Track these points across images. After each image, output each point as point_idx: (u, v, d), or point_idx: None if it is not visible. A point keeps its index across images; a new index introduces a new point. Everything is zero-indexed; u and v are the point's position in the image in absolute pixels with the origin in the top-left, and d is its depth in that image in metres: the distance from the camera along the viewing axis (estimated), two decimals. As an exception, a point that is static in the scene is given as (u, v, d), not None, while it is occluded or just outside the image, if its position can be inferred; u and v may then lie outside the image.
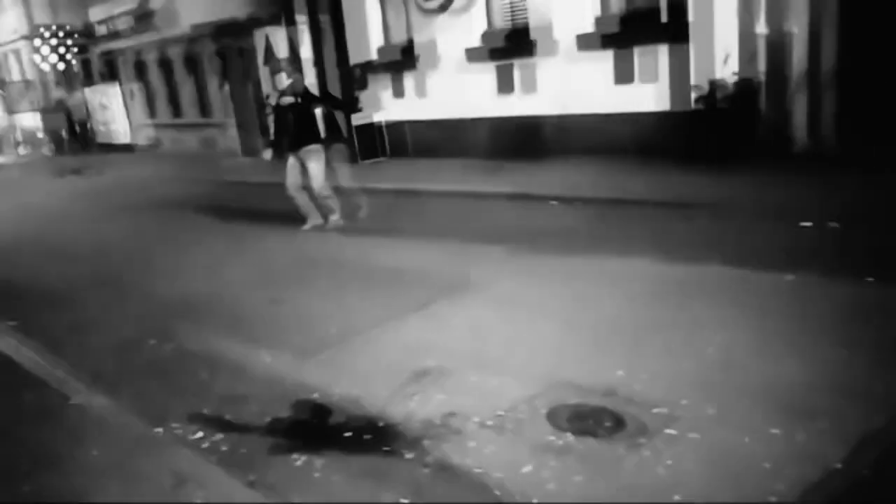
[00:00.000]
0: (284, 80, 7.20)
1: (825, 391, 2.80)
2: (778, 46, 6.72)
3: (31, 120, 20.66)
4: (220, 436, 3.02)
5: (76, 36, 15.26)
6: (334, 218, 6.86)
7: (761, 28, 6.71)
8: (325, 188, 6.78)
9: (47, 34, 15.21)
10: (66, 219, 9.83)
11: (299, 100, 6.68)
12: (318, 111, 6.92)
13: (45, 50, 15.24)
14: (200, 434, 3.05)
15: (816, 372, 2.97)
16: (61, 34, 15.21)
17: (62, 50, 15.31)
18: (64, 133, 20.01)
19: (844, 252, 4.37)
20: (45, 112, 20.27)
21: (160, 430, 3.11)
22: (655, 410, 2.80)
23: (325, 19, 10.92)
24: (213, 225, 8.06)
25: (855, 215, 4.94)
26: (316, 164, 6.67)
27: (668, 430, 2.65)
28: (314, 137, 6.74)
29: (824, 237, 4.70)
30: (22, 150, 21.28)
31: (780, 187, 5.92)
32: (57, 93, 20.84)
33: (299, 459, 2.75)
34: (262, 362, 3.77)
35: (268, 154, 7.23)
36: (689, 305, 3.83)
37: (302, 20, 11.24)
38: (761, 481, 2.32)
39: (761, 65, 6.80)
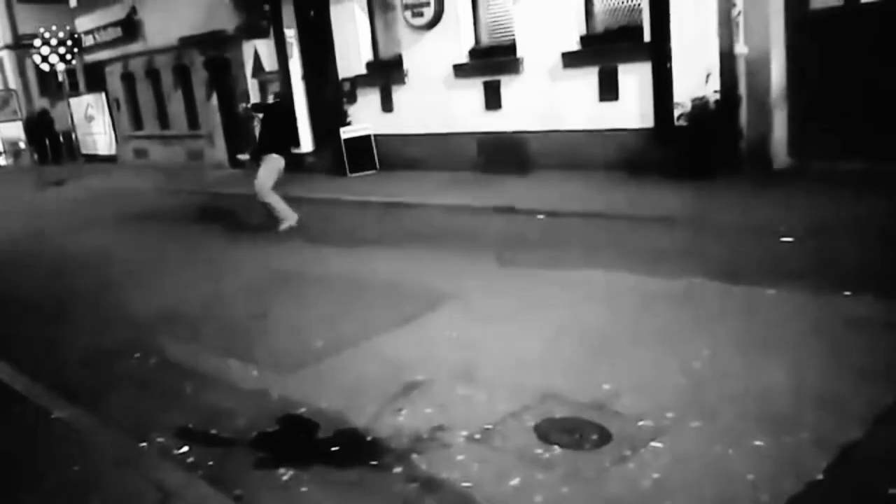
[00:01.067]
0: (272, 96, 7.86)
1: (807, 403, 2.86)
2: (757, 66, 6.89)
3: (13, 130, 20.42)
4: (205, 450, 3.00)
5: (69, 42, 15.20)
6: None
7: (741, 48, 6.89)
8: (264, 194, 7.36)
9: (47, 35, 15.09)
10: (45, 230, 9.70)
11: (262, 111, 7.66)
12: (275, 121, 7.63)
13: (45, 50, 15.14)
14: (186, 448, 3.03)
15: (798, 384, 3.02)
16: (54, 41, 15.11)
17: (53, 58, 15.22)
18: (47, 143, 19.80)
19: (823, 266, 4.46)
20: (28, 122, 20.07)
21: (145, 444, 3.08)
22: (641, 423, 2.83)
23: (314, 33, 10.99)
24: (195, 236, 8.03)
25: (833, 230, 5.05)
26: (261, 170, 7.40)
27: (653, 443, 2.68)
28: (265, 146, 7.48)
29: (803, 252, 4.79)
30: (3, 161, 21.01)
31: (761, 203, 6.03)
32: (41, 102, 20.64)
33: (286, 474, 2.74)
34: (248, 376, 3.75)
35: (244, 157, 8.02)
36: (673, 319, 3.88)
37: (291, 34, 11.29)
38: (746, 493, 2.36)
39: (742, 83, 6.97)
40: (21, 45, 20.00)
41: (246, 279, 5.80)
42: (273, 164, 7.36)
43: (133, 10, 15.24)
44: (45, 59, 15.48)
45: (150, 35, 15.05)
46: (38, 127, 19.80)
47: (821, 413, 2.77)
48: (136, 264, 6.90)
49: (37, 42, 15.38)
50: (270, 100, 8.30)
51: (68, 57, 15.44)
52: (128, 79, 16.64)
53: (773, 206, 5.85)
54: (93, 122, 18.20)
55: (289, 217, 7.34)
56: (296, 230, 7.31)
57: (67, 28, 15.92)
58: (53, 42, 15.57)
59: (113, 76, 17.10)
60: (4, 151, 20.99)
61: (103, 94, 17.51)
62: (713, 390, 3.04)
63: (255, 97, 12.42)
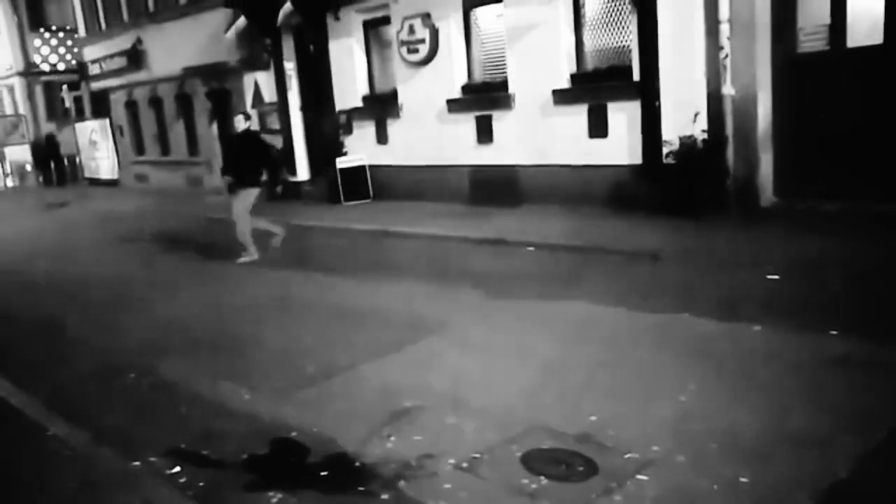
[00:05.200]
0: (243, 122, 7.67)
1: (793, 441, 2.85)
2: (744, 107, 6.99)
3: (20, 153, 20.77)
4: (197, 471, 3.02)
5: (68, 43, 15.63)
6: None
7: (728, 89, 7.00)
8: (240, 225, 7.44)
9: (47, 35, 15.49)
10: (46, 250, 9.81)
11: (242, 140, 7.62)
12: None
13: (45, 50, 15.52)
14: (178, 469, 3.05)
15: (784, 422, 3.02)
16: (54, 41, 15.53)
17: (53, 58, 15.63)
18: (52, 166, 20.10)
19: (809, 305, 4.47)
20: (35, 145, 20.40)
21: (137, 463, 3.10)
22: (628, 456, 2.83)
23: (312, 67, 11.22)
24: (190, 260, 8.09)
25: (819, 269, 5.07)
26: (237, 203, 7.47)
27: (639, 476, 2.68)
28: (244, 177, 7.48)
29: (789, 290, 4.81)
30: (10, 182, 21.34)
31: (747, 240, 6.06)
32: (48, 127, 21.02)
33: (275, 497, 2.75)
34: (240, 399, 3.78)
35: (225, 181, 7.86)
36: (660, 353, 3.89)
37: (290, 67, 11.53)
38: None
39: (729, 123, 7.06)
40: (31, 73, 20.46)
41: (238, 303, 5.85)
42: (248, 197, 7.40)
43: (138, 41, 15.62)
44: (44, 59, 15.80)
45: (154, 65, 15.38)
46: (45, 150, 20.14)
47: (807, 451, 2.76)
48: (132, 286, 6.97)
49: (37, 42, 15.76)
50: (241, 126, 7.62)
51: (61, 50, 15.75)
52: (131, 106, 16.95)
53: (759, 244, 5.88)
54: (96, 147, 18.48)
55: (251, 253, 7.44)
56: (267, 258, 7.35)
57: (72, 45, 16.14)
58: (53, 42, 16.03)
59: (117, 103, 17.43)
60: (12, 173, 21.32)
61: (107, 121, 17.83)
62: (699, 425, 3.04)
63: (254, 127, 12.58)
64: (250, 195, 7.41)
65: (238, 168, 7.46)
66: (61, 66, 17.86)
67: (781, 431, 2.92)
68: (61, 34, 19.89)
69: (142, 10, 15.33)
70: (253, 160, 7.44)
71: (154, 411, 3.75)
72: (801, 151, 6.85)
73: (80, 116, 19.32)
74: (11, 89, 21.42)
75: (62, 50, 19.90)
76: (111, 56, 16.65)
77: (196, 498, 2.78)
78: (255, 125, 12.08)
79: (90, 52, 17.77)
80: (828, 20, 6.53)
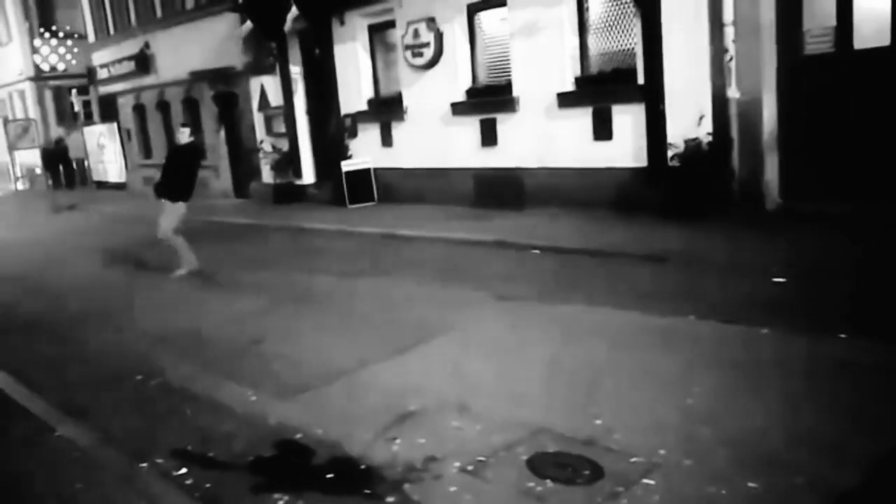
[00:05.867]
0: (187, 135, 7.35)
1: (802, 447, 2.81)
2: (749, 109, 6.96)
3: (30, 156, 20.97)
4: (203, 473, 3.04)
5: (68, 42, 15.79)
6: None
7: (733, 92, 6.98)
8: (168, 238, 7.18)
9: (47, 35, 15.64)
10: (55, 253, 9.90)
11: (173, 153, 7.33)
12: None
13: (46, 50, 15.63)
14: (184, 470, 3.07)
15: (792, 427, 2.99)
16: (54, 41, 15.68)
17: (53, 58, 15.81)
18: (61, 169, 20.29)
19: (816, 308, 4.44)
20: (45, 149, 20.60)
21: (144, 465, 3.13)
22: (634, 460, 2.81)
23: (318, 71, 11.27)
24: (198, 261, 8.13)
25: (825, 271, 5.03)
26: (164, 218, 7.18)
27: (645, 480, 2.66)
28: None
29: (797, 292, 4.77)
30: (20, 185, 21.55)
31: (753, 243, 6.03)
32: (57, 131, 21.23)
33: (281, 499, 2.77)
34: (246, 401, 3.80)
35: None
36: (666, 356, 3.87)
37: (296, 71, 11.59)
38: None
39: (734, 126, 7.04)
40: (41, 77, 20.67)
41: (244, 305, 5.88)
42: (176, 211, 7.13)
43: (146, 46, 15.74)
44: (53, 64, 15.95)
45: (161, 69, 15.50)
46: (54, 154, 20.32)
47: (816, 457, 2.72)
48: (140, 287, 7.03)
49: (37, 42, 15.90)
50: (184, 139, 7.30)
51: (68, 57, 15.90)
52: (139, 110, 17.08)
53: (765, 247, 5.85)
54: (104, 151, 18.62)
55: (189, 262, 7.16)
56: (196, 274, 7.11)
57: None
58: (62, 48, 16.16)
59: (125, 107, 17.56)
60: (22, 176, 21.53)
61: (115, 124, 17.97)
62: (706, 429, 3.02)
63: (261, 131, 12.70)
64: (178, 210, 7.12)
65: (169, 181, 7.12)
66: (71, 71, 18.02)
67: (790, 436, 2.89)
68: (70, 40, 20.10)
69: (150, 16, 15.45)
70: (189, 175, 7.16)
71: (161, 412, 3.77)
72: (807, 154, 6.81)
73: (89, 120, 19.51)
74: (22, 94, 21.67)
75: (69, 56, 20.10)
76: (119, 60, 16.79)
77: (202, 499, 2.81)
78: (263, 130, 12.11)
79: (99, 57, 17.92)
80: (834, 22, 6.49)
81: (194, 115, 15.00)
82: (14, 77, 21.32)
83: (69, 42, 20.09)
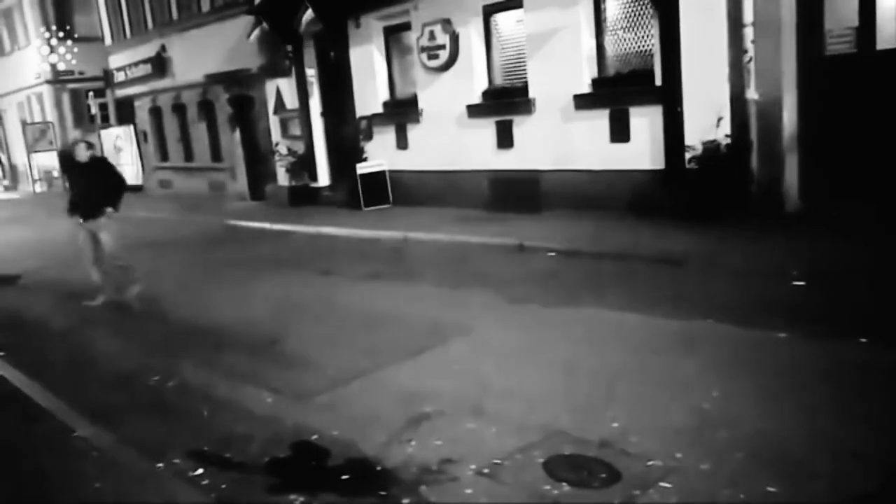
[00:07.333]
0: (84, 150, 6.67)
1: (821, 451, 2.79)
2: (768, 110, 6.90)
3: (47, 159, 21.29)
4: (220, 473, 3.07)
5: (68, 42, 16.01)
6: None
7: (752, 93, 6.91)
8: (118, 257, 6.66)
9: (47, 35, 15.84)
10: (72, 254, 9.98)
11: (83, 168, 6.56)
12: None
13: (45, 50, 15.77)
14: (201, 471, 3.09)
15: (812, 431, 2.96)
16: (54, 41, 15.90)
17: (53, 58, 16.03)
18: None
19: (836, 312, 4.39)
20: (62, 152, 20.88)
21: (161, 465, 3.16)
22: (650, 463, 2.80)
23: (333, 74, 11.32)
24: (213, 264, 8.20)
25: (845, 275, 4.98)
26: (106, 236, 6.60)
27: (662, 484, 2.65)
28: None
29: (816, 296, 4.72)
30: (38, 188, 21.87)
31: (772, 246, 5.97)
32: (74, 134, 21.50)
33: (297, 500, 2.78)
34: (262, 402, 3.82)
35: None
36: (682, 359, 3.85)
37: (311, 73, 11.65)
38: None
39: (753, 127, 6.97)
40: (59, 80, 20.96)
41: (261, 307, 5.92)
42: (111, 225, 6.71)
43: (162, 49, 15.91)
44: (61, 58, 16.13)
45: (177, 72, 15.65)
46: (71, 157, 20.54)
47: (836, 462, 2.70)
48: (155, 290, 7.05)
49: (62, 49, 16.07)
50: (83, 156, 6.62)
51: (68, 56, 15.98)
52: (155, 112, 17.25)
53: (785, 250, 5.79)
54: (121, 153, 18.83)
55: (107, 291, 6.62)
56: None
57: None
58: (54, 42, 16.33)
59: (142, 110, 17.75)
60: (40, 179, 21.85)
61: (132, 127, 18.17)
62: (723, 432, 3.00)
63: (276, 133, 12.78)
64: (111, 223, 6.70)
65: (89, 199, 6.57)
66: (88, 74, 18.23)
67: (810, 441, 2.87)
68: (88, 43, 20.35)
69: (166, 19, 15.62)
70: (112, 187, 6.75)
71: (177, 413, 3.80)
72: (828, 156, 6.73)
73: (106, 123, 19.72)
74: (40, 97, 21.97)
75: (88, 58, 20.34)
76: (136, 63, 16.98)
77: (219, 500, 2.83)
78: (279, 132, 12.08)
79: (115, 60, 18.14)
80: (856, 22, 6.42)
81: (210, 118, 15.15)
82: (32, 80, 21.64)
83: (88, 43, 20.35)
